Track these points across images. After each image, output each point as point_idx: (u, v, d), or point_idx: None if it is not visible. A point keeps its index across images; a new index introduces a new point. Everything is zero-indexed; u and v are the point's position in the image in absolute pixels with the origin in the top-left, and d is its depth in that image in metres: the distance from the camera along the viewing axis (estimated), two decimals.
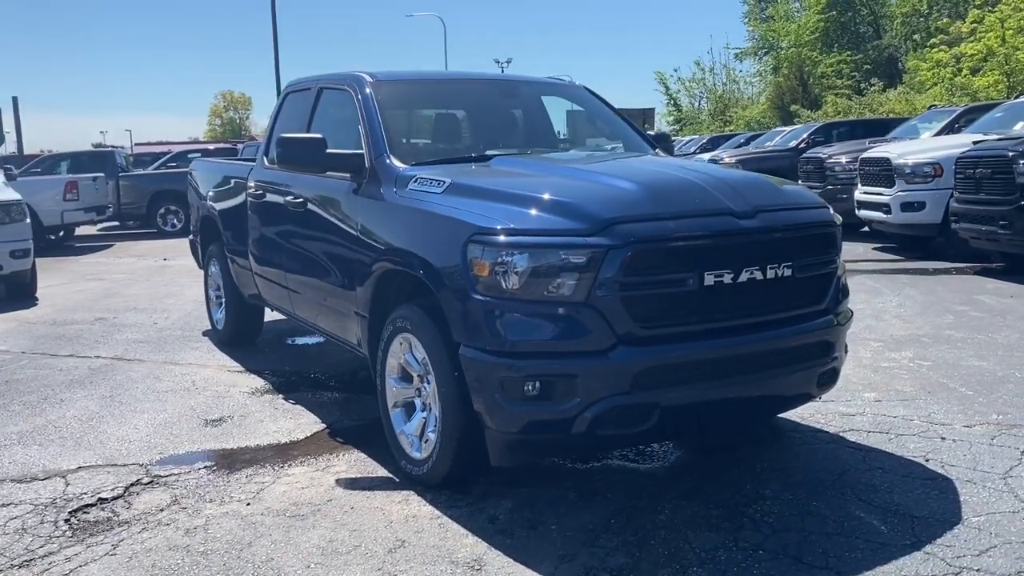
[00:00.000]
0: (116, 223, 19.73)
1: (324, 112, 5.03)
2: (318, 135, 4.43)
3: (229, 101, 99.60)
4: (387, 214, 3.96)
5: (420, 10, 66.78)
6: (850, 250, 12.61)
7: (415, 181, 3.92)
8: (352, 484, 3.84)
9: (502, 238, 3.25)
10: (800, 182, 14.55)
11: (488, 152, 4.51)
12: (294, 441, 4.46)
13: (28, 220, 9.71)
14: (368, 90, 4.59)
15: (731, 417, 3.70)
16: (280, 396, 5.27)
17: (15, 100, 28.38)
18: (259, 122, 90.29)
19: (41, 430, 4.70)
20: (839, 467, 3.90)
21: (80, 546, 3.29)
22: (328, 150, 4.30)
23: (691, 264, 3.27)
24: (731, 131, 32.27)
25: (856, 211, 12.02)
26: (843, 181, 13.14)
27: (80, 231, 18.15)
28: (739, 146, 22.01)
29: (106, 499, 3.72)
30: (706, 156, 19.58)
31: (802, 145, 16.98)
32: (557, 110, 5.26)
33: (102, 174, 17.64)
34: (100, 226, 19.46)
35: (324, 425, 4.69)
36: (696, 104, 47.14)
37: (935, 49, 27.23)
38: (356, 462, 4.13)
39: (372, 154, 4.25)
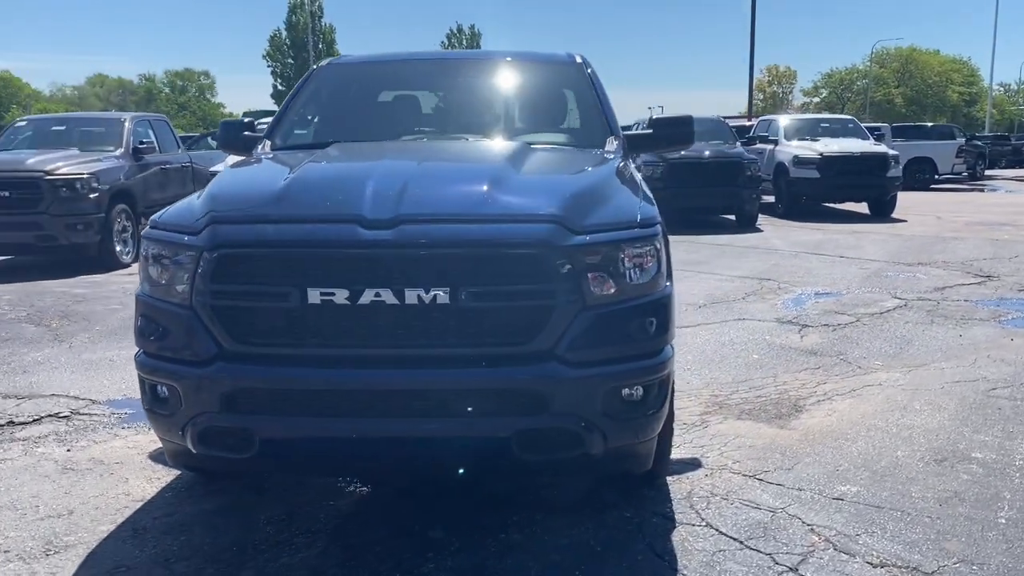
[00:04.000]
0: None
1: None
2: (246, 119, 4.60)
3: (774, 75, 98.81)
4: None
5: None
6: None
7: None
8: (160, 455, 4.04)
9: (149, 230, 3.16)
10: None
11: (404, 137, 4.24)
12: None
13: None
14: (312, 71, 4.62)
15: (394, 464, 3.05)
16: None
17: None
18: (798, 98, 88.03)
19: (94, 361, 5.72)
20: (548, 559, 2.97)
21: None
22: (245, 132, 4.45)
23: (291, 277, 2.79)
24: None
25: None
26: None
27: None
28: None
29: (15, 423, 4.49)
30: None
31: None
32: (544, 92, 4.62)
33: None
34: None
35: None
36: None
37: None
38: None
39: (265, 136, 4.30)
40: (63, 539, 3.18)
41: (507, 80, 4.68)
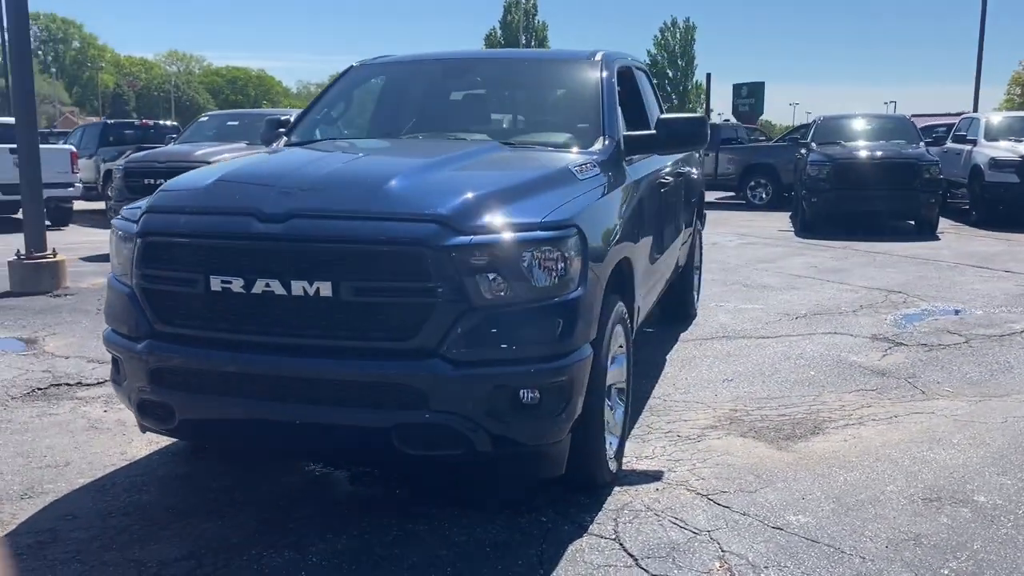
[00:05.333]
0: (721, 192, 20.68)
1: None
2: (285, 117, 4.93)
3: None
4: None
5: None
6: None
7: None
8: None
9: (115, 219, 3.51)
10: None
11: (404, 135, 4.42)
12: None
13: None
14: (345, 71, 4.87)
15: (288, 446, 3.27)
16: None
17: (708, 76, 31.30)
18: None
19: None
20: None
21: (19, 401, 4.73)
22: (279, 129, 4.78)
23: (197, 264, 3.03)
24: None
25: None
26: None
27: None
28: None
29: (82, 383, 5.09)
30: None
31: None
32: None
33: None
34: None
35: None
36: None
37: None
38: None
39: None
40: (43, 486, 3.62)
41: (520, 80, 4.71)
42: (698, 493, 3.55)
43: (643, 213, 4.20)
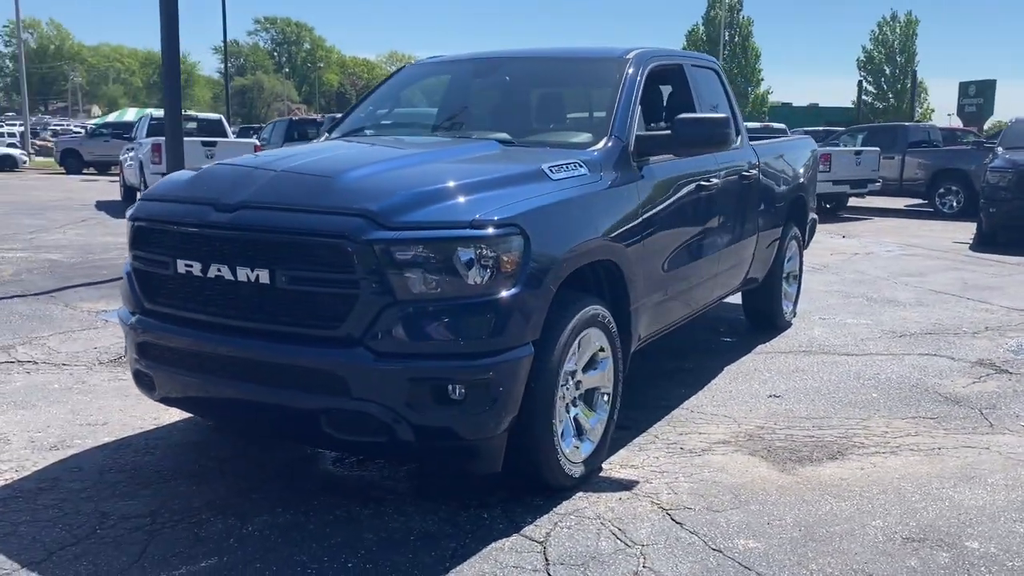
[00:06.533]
0: (916, 199, 19.15)
1: None
2: (337, 114, 5.21)
3: None
4: None
5: None
6: None
7: None
8: None
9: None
10: None
11: (422, 135, 4.59)
12: None
13: None
14: (397, 70, 5.08)
15: (240, 423, 3.57)
16: None
17: (914, 74, 29.05)
18: None
19: None
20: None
21: (103, 366, 5.32)
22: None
23: (168, 249, 3.32)
24: None
25: None
26: None
27: (856, 202, 18.65)
28: None
29: None
30: None
31: None
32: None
33: (876, 148, 17.71)
34: (870, 199, 19.14)
35: None
36: None
37: None
38: None
39: None
40: (73, 441, 4.07)
41: (548, 79, 4.69)
42: (660, 507, 3.43)
43: (655, 216, 4.07)
